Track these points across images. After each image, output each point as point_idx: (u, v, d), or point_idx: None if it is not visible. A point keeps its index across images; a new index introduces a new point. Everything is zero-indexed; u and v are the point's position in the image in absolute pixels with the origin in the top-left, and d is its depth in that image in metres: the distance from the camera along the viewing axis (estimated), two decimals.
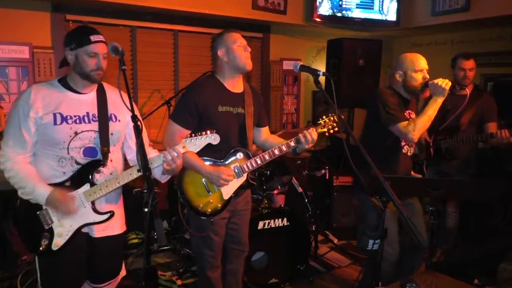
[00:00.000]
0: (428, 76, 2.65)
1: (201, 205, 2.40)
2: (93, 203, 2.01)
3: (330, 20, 5.02)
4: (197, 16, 4.56)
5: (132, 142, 2.19)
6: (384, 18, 5.11)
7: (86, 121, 2.01)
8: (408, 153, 2.79)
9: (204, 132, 2.05)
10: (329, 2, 4.94)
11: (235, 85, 2.50)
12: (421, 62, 2.66)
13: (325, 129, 2.48)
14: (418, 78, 2.64)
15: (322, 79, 2.10)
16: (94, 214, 2.02)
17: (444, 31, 5.30)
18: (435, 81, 2.57)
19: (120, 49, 1.81)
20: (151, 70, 4.62)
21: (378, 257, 2.14)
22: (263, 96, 5.23)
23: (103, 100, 2.07)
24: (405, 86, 2.69)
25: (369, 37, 5.47)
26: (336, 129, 2.47)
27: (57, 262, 2.00)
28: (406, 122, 2.60)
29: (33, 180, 1.91)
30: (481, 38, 5.05)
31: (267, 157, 2.42)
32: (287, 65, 5.47)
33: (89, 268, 2.13)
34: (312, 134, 2.39)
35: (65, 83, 2.02)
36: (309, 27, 5.24)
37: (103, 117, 2.04)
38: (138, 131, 1.76)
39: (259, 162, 2.43)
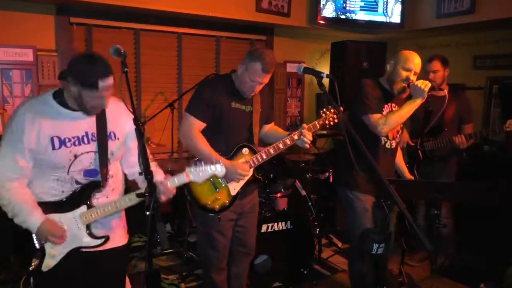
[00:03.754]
0: (413, 79, 2.63)
1: (209, 202, 2.42)
2: (88, 225, 1.93)
3: (334, 22, 5.01)
4: (201, 19, 4.56)
5: (130, 157, 2.09)
6: (388, 20, 5.08)
7: (85, 141, 1.90)
8: (387, 146, 2.79)
9: (209, 164, 1.99)
10: (333, 4, 4.92)
11: None
12: (413, 62, 2.63)
13: (326, 122, 2.54)
14: (402, 75, 2.63)
15: (326, 81, 2.09)
16: (88, 237, 1.94)
17: (449, 33, 5.27)
18: (416, 82, 2.58)
19: (122, 51, 1.76)
20: (154, 72, 4.62)
21: (383, 261, 2.11)
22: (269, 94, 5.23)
23: (102, 116, 1.95)
24: (389, 77, 2.72)
25: (373, 40, 5.45)
26: (336, 120, 2.49)
27: (52, 281, 1.93)
28: (380, 115, 2.63)
29: (26, 209, 1.82)
30: (486, 40, 5.02)
31: (272, 151, 2.46)
32: (291, 68, 5.46)
33: (90, 284, 2.05)
34: (309, 135, 2.45)
35: (61, 101, 1.86)
36: (313, 30, 5.22)
37: (102, 136, 1.94)
38: (139, 134, 1.74)
39: (264, 156, 2.46)
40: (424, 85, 2.55)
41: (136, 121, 1.74)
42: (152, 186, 1.73)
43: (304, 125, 2.50)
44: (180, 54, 4.75)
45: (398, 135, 2.89)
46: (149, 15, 4.33)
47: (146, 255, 1.81)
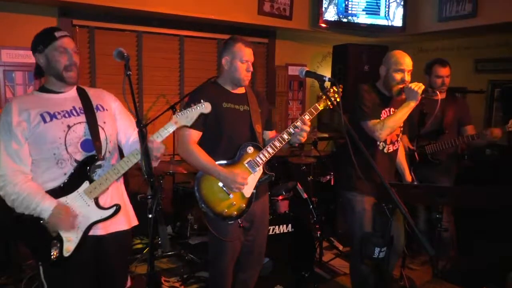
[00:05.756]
0: (408, 79, 2.68)
1: (226, 210, 2.37)
2: (96, 199, 1.96)
3: (336, 25, 5.02)
4: (203, 22, 4.57)
5: (123, 134, 2.17)
6: (390, 24, 5.09)
7: (75, 114, 1.98)
8: (385, 151, 2.81)
9: (193, 104, 2.00)
10: (335, 7, 4.93)
11: (236, 88, 2.55)
12: (404, 62, 2.68)
13: (328, 102, 2.46)
14: (397, 78, 2.68)
15: (327, 84, 2.09)
16: (99, 210, 1.96)
17: (451, 37, 5.27)
18: (410, 85, 2.61)
19: (125, 54, 1.78)
20: (156, 75, 4.63)
21: (384, 265, 2.11)
22: (268, 102, 5.23)
23: (85, 95, 2.06)
24: (385, 82, 2.77)
25: (375, 43, 5.45)
26: (338, 99, 2.41)
27: (63, 271, 1.94)
28: (377, 120, 2.66)
29: (37, 195, 1.85)
30: (488, 44, 5.02)
31: (277, 143, 2.42)
32: (293, 71, 5.47)
33: (97, 274, 2.06)
34: (304, 120, 2.40)
35: (44, 89, 2.01)
36: (314, 33, 5.23)
37: (89, 110, 2.02)
38: (142, 137, 1.74)
39: (270, 151, 2.42)
40: (418, 87, 2.59)
41: (139, 123, 1.74)
42: (154, 189, 1.72)
43: (301, 117, 2.44)
44: (182, 56, 4.76)
45: (398, 139, 2.89)
46: (152, 18, 4.35)
47: (147, 257, 1.81)
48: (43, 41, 1.94)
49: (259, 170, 2.45)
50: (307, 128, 2.42)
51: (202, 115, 2.35)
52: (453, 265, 3.68)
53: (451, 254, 3.70)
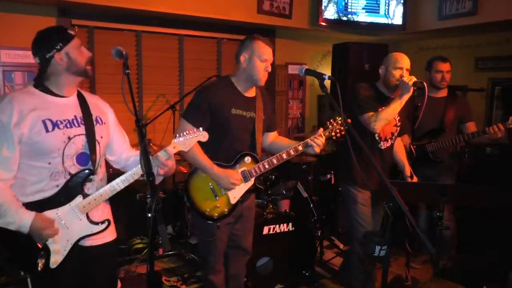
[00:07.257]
0: (406, 75, 2.76)
1: (208, 210, 2.40)
2: (87, 214, 1.93)
3: (336, 24, 5.01)
4: (203, 21, 4.56)
5: (116, 144, 2.15)
6: (390, 22, 5.08)
7: (76, 124, 1.92)
8: (379, 146, 2.90)
9: (192, 131, 2.00)
10: (335, 6, 4.92)
11: (248, 90, 2.51)
12: (402, 61, 2.80)
13: (333, 133, 2.49)
14: (396, 74, 2.79)
15: (327, 83, 2.09)
16: (90, 225, 1.94)
17: (451, 35, 5.26)
18: (403, 78, 2.71)
19: (124, 53, 1.75)
20: (156, 74, 4.62)
21: (385, 263, 2.09)
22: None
23: (85, 104, 2.01)
24: (384, 80, 2.87)
25: (375, 41, 5.44)
26: (343, 132, 2.45)
27: (51, 283, 1.91)
28: (372, 112, 2.74)
29: (14, 208, 1.77)
30: (488, 42, 5.01)
31: (275, 161, 2.43)
32: (293, 70, 5.46)
33: (83, 284, 2.04)
34: (320, 139, 2.42)
35: (44, 88, 1.89)
36: (314, 31, 5.22)
37: (88, 121, 1.96)
38: (142, 136, 1.73)
39: (266, 166, 2.43)
40: (409, 79, 2.66)
41: (138, 122, 1.74)
42: (153, 188, 1.71)
43: (320, 130, 2.47)
44: (182, 56, 4.75)
45: (392, 137, 2.95)
46: (151, 17, 4.34)
47: (147, 257, 1.80)
48: (61, 39, 1.84)
49: (251, 181, 2.46)
50: (321, 141, 2.42)
51: (208, 117, 2.35)
52: (454, 264, 3.67)
53: (452, 253, 3.69)
